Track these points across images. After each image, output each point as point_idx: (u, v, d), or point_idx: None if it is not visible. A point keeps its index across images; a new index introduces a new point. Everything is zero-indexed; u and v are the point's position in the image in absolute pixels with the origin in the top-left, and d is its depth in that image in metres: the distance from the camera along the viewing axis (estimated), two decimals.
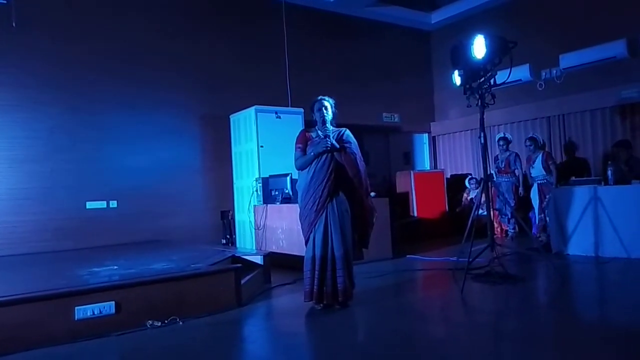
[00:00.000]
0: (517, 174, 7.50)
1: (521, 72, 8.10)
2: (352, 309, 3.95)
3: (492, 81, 4.80)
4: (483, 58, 4.67)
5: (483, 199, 4.98)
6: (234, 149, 7.66)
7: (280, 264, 5.78)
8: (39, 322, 3.30)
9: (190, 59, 7.63)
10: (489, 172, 4.93)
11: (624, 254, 5.44)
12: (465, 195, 8.66)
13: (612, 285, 4.74)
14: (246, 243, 7.29)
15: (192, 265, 4.27)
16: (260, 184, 6.76)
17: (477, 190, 8.00)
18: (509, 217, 7.63)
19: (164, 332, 3.55)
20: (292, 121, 7.20)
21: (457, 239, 5.97)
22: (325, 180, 3.91)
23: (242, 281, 4.28)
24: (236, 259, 5.02)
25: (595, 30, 7.65)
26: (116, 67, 6.98)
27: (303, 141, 4.08)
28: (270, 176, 6.68)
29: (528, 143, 7.21)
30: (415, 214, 8.49)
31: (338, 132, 4.10)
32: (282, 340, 3.47)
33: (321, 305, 3.93)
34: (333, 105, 4.15)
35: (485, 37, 4.66)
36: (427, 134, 10.61)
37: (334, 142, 3.96)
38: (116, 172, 6.90)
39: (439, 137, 10.52)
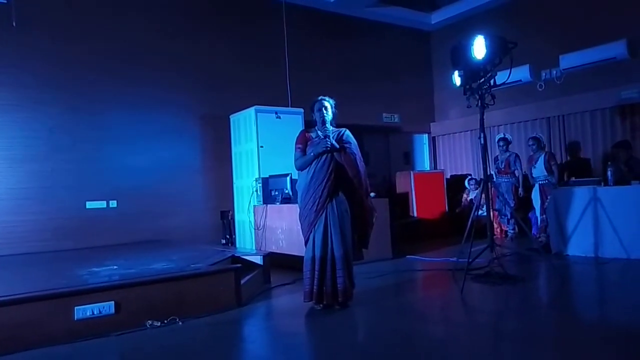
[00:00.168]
0: (517, 175, 7.50)
1: (521, 73, 8.09)
2: (352, 309, 3.95)
3: (492, 82, 4.80)
4: (483, 58, 4.68)
5: (483, 199, 4.98)
6: (234, 149, 7.66)
7: (280, 264, 5.78)
8: (39, 322, 3.30)
9: (190, 59, 7.63)
10: (488, 173, 4.94)
11: (623, 254, 5.43)
12: (464, 195, 8.66)
13: (612, 286, 4.74)
14: (246, 243, 7.29)
15: (192, 265, 4.27)
16: (260, 184, 6.76)
17: (476, 191, 8.01)
18: (509, 217, 7.63)
19: (163, 332, 3.55)
20: (292, 121, 7.20)
21: (457, 240, 5.97)
22: (325, 180, 3.91)
23: (242, 281, 4.28)
24: (236, 259, 5.02)
25: (596, 31, 7.65)
26: (116, 67, 6.98)
27: (303, 141, 4.08)
28: (270, 176, 6.68)
29: (531, 142, 7.20)
30: (415, 215, 8.49)
31: (338, 132, 4.10)
32: (281, 340, 3.47)
33: (321, 305, 3.93)
34: (333, 105, 4.15)
35: (485, 38, 4.67)
36: (427, 134, 10.61)
37: (333, 142, 3.96)
38: (116, 171, 6.90)
39: (439, 137, 10.52)
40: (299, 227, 4.13)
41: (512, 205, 7.29)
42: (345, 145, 4.02)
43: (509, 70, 4.69)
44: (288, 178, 6.20)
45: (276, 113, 7.23)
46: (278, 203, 6.32)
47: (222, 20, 8.02)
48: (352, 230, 4.00)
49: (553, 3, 8.37)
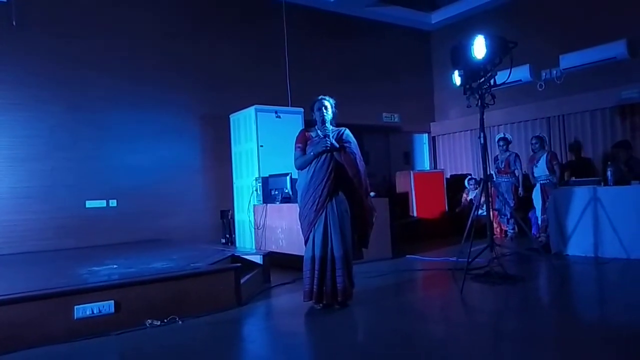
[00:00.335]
0: (516, 175, 7.50)
1: (521, 73, 8.09)
2: (352, 309, 3.95)
3: (492, 81, 4.80)
4: (483, 58, 4.67)
5: (483, 199, 4.98)
6: (234, 149, 7.66)
7: (280, 263, 5.78)
8: (38, 321, 3.30)
9: (191, 59, 7.63)
10: (488, 173, 4.94)
11: (623, 254, 5.43)
12: (464, 195, 8.66)
13: (612, 286, 4.74)
14: (246, 242, 7.29)
15: (192, 265, 4.28)
16: (260, 184, 6.76)
17: (476, 191, 8.01)
18: (509, 217, 7.63)
19: (163, 331, 3.55)
20: (292, 121, 7.20)
21: (457, 239, 5.97)
22: (324, 179, 3.91)
23: (242, 281, 4.28)
24: (236, 258, 5.01)
25: (596, 31, 7.65)
26: (117, 66, 6.99)
27: (303, 141, 4.08)
28: (270, 176, 6.68)
29: (534, 141, 7.18)
30: (415, 214, 8.49)
31: (337, 131, 4.10)
32: (281, 340, 3.47)
33: (321, 304, 3.93)
34: (333, 105, 4.15)
35: (485, 37, 4.67)
36: (427, 134, 10.61)
37: (333, 141, 3.96)
38: (116, 171, 6.90)
39: (439, 137, 10.52)
40: (299, 227, 4.13)
41: (512, 205, 7.29)
42: (345, 144, 4.02)
43: (509, 70, 4.69)
44: (288, 177, 6.21)
45: (276, 112, 7.23)
46: (278, 202, 6.32)
47: (222, 20, 8.02)
48: (352, 230, 4.00)
49: (553, 3, 8.37)
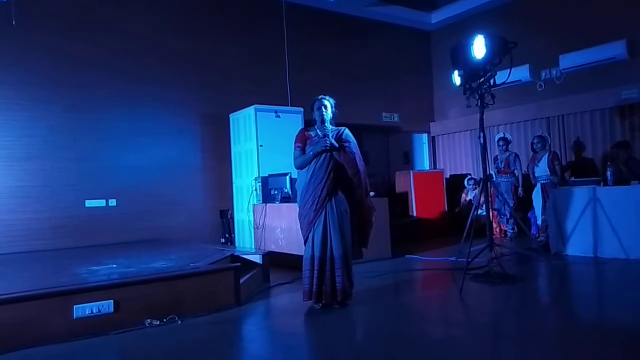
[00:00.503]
0: (516, 174, 7.50)
1: (521, 73, 8.09)
2: (351, 309, 3.95)
3: (492, 81, 4.80)
4: (483, 58, 4.67)
5: (482, 199, 4.98)
6: (234, 148, 7.66)
7: (279, 263, 5.79)
8: (38, 321, 3.30)
9: (191, 58, 7.63)
10: (488, 173, 4.94)
11: (622, 254, 5.44)
12: (464, 195, 8.66)
13: (611, 286, 4.74)
14: (245, 242, 7.29)
15: (191, 264, 4.28)
16: (260, 183, 6.76)
17: (475, 191, 8.01)
18: (508, 217, 7.63)
19: (162, 331, 3.55)
20: (291, 120, 7.20)
21: (456, 239, 5.97)
22: (324, 179, 3.91)
23: (241, 280, 4.28)
24: (235, 258, 5.02)
25: (595, 31, 7.65)
26: (117, 65, 6.99)
27: (302, 140, 4.08)
28: (270, 175, 6.68)
29: (536, 140, 7.16)
30: (415, 214, 8.49)
31: (337, 131, 4.10)
32: (280, 340, 3.47)
33: (320, 304, 3.93)
34: (333, 104, 4.15)
35: (485, 37, 4.66)
36: (426, 134, 10.61)
37: (333, 141, 3.96)
38: (116, 170, 6.90)
39: (439, 137, 10.51)
40: (298, 226, 4.14)
41: (512, 204, 7.29)
42: (345, 144, 4.02)
43: (508, 70, 4.69)
44: (287, 177, 6.20)
45: (276, 112, 7.22)
46: (277, 202, 6.32)
47: (222, 20, 8.02)
48: (351, 230, 4.00)
49: (553, 3, 8.37)
